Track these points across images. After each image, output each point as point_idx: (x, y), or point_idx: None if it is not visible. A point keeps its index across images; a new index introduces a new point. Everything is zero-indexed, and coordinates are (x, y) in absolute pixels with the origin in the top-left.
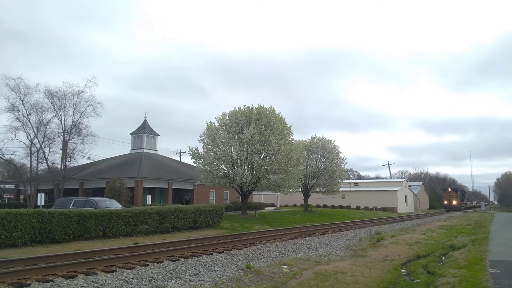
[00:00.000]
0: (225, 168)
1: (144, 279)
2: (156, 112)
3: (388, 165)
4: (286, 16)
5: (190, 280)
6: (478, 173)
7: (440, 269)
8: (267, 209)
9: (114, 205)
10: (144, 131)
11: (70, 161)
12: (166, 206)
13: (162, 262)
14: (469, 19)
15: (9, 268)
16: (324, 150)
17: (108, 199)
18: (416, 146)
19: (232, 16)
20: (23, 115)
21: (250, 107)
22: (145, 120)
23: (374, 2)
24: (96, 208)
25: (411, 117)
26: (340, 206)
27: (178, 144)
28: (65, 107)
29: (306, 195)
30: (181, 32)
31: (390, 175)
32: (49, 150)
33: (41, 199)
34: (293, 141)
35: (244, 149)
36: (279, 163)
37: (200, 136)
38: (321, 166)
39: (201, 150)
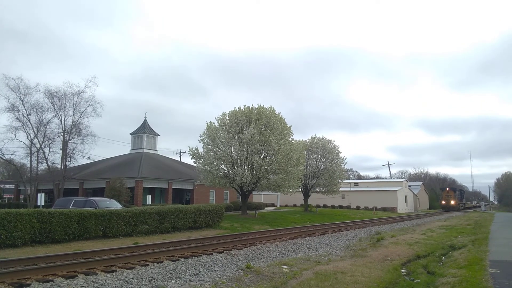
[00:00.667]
0: (225, 168)
1: (144, 279)
2: (156, 112)
3: (388, 165)
4: (286, 15)
5: (190, 280)
6: (478, 173)
7: (440, 269)
8: (267, 209)
9: (114, 205)
10: (144, 131)
11: (70, 161)
12: (166, 206)
13: (162, 262)
14: (470, 19)
15: (9, 268)
16: (324, 150)
17: (108, 199)
18: (416, 146)
19: (232, 15)
20: (23, 115)
21: (250, 107)
22: (145, 120)
23: (374, 2)
24: (96, 208)
25: (411, 117)
26: (340, 206)
27: (178, 144)
28: (65, 107)
29: (306, 195)
30: (181, 32)
31: (390, 175)
32: (49, 150)
33: (41, 199)
34: (293, 141)
35: (244, 149)
36: (279, 163)
37: (200, 136)
38: (321, 166)
39: (201, 150)
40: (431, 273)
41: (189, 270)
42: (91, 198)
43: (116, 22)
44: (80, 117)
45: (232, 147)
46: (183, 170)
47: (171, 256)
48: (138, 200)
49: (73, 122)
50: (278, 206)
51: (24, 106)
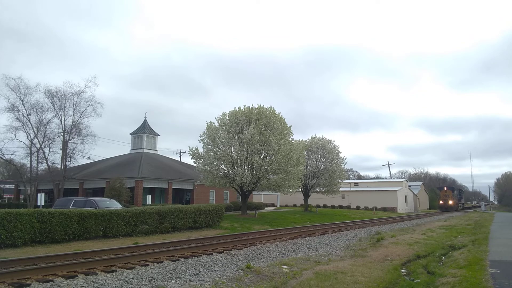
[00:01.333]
0: (225, 168)
1: (144, 279)
2: (156, 111)
3: (388, 165)
4: (286, 15)
5: (190, 280)
6: (479, 173)
7: (440, 269)
8: (267, 209)
9: (114, 205)
10: (144, 131)
11: (70, 161)
12: (166, 206)
13: (162, 262)
14: (472, 18)
15: (9, 268)
16: (324, 150)
17: (108, 199)
18: (417, 146)
19: (232, 14)
20: (23, 115)
21: (250, 107)
22: (145, 120)
23: (374, 2)
24: (96, 208)
25: (412, 117)
26: (340, 206)
27: (178, 144)
28: (65, 107)
29: (306, 195)
30: (182, 31)
31: (390, 175)
32: (49, 150)
33: (41, 199)
34: (293, 141)
35: (244, 149)
36: (279, 163)
37: (200, 136)
38: (321, 166)
39: (201, 150)
40: (431, 273)
41: (189, 270)
42: (91, 198)
43: (116, 22)
44: (80, 117)
45: (232, 147)
46: (183, 170)
47: (171, 256)
48: (138, 200)
49: (73, 122)
50: (278, 206)
51: (24, 106)
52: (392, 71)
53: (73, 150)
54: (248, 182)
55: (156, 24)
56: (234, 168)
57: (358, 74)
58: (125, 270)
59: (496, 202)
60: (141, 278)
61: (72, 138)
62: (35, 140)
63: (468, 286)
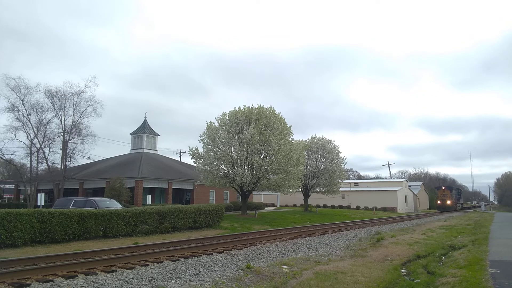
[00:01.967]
0: (225, 168)
1: (144, 279)
2: (156, 111)
3: (388, 165)
4: (287, 14)
5: (190, 280)
6: (479, 173)
7: (440, 269)
8: (267, 209)
9: (114, 205)
10: (144, 131)
11: (70, 161)
12: (166, 206)
13: (162, 262)
14: (472, 18)
15: (9, 268)
16: (324, 150)
17: (108, 199)
18: (417, 146)
19: (233, 14)
20: (23, 115)
21: (250, 107)
22: (145, 120)
23: (375, 1)
24: (96, 208)
25: (412, 117)
26: (340, 206)
27: (178, 144)
28: (65, 107)
29: (306, 195)
30: (182, 31)
31: (390, 175)
32: (49, 150)
33: (41, 199)
34: (293, 141)
35: (244, 149)
36: (279, 163)
37: (200, 136)
38: (321, 166)
39: (201, 150)
40: (431, 273)
41: (189, 270)
42: (91, 198)
43: (116, 21)
44: (80, 117)
45: (232, 147)
46: (183, 170)
47: (171, 256)
48: (138, 200)
49: (73, 122)
50: (278, 206)
51: (24, 106)
52: (392, 71)
53: (73, 150)
54: (248, 182)
55: (156, 24)
56: (234, 168)
57: (358, 74)
58: (125, 270)
59: (496, 202)
60: (141, 278)
61: (72, 138)
62: (35, 140)
63: (468, 286)
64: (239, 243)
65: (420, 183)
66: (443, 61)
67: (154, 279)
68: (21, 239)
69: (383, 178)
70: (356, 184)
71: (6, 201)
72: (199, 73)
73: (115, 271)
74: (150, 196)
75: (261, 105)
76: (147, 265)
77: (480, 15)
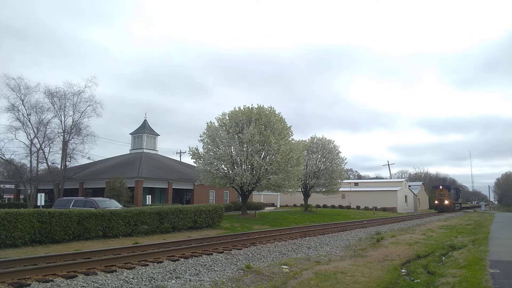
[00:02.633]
0: (225, 168)
1: (144, 279)
2: (156, 111)
3: (388, 165)
4: (288, 13)
5: (190, 280)
6: (479, 173)
7: (440, 269)
8: (267, 209)
9: (114, 205)
10: (144, 131)
11: (70, 161)
12: (166, 206)
13: (162, 262)
14: (475, 17)
15: (9, 268)
16: (324, 150)
17: (108, 199)
18: (418, 146)
19: (233, 13)
20: (23, 115)
21: (250, 107)
22: (145, 120)
23: (375, 1)
24: (96, 208)
25: (413, 116)
26: (340, 206)
27: (178, 144)
28: (65, 107)
29: (306, 195)
30: (182, 30)
31: (390, 175)
32: (49, 150)
33: (41, 199)
34: (293, 141)
35: (244, 149)
36: (279, 163)
37: (200, 136)
38: (321, 166)
39: (201, 150)
40: (431, 273)
41: (189, 270)
42: (91, 198)
43: (115, 20)
44: (80, 117)
45: (232, 147)
46: (183, 170)
47: (171, 256)
48: (138, 200)
49: (73, 122)
50: (278, 206)
51: (24, 106)
52: (393, 70)
53: (73, 150)
54: (248, 182)
55: (156, 23)
56: (234, 168)
57: (359, 73)
58: (125, 270)
59: (496, 202)
60: (141, 278)
61: (72, 138)
62: (35, 140)
63: (468, 286)
64: (239, 243)
65: (420, 183)
66: (445, 60)
67: (154, 279)
68: (21, 239)
69: (383, 178)
70: (356, 184)
71: (6, 201)
72: (200, 73)
73: (115, 271)
74: (150, 196)
75: (261, 105)
76: (147, 265)
77: (482, 14)
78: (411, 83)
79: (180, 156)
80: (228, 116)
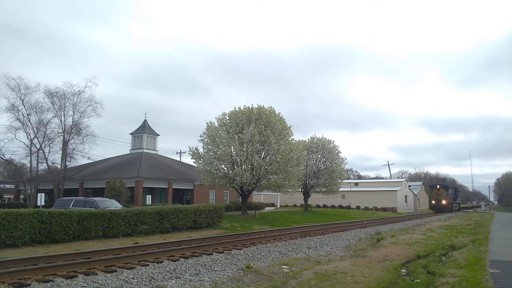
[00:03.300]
0: (225, 168)
1: (144, 279)
2: (156, 110)
3: (388, 165)
4: (288, 13)
5: (190, 280)
6: (480, 173)
7: (440, 269)
8: (267, 209)
9: (114, 205)
10: (144, 131)
11: (70, 161)
12: (166, 206)
13: (162, 262)
14: (476, 16)
15: (9, 268)
16: (324, 150)
17: (108, 199)
18: (418, 146)
19: (233, 13)
20: (23, 115)
21: (250, 107)
22: (145, 120)
23: (376, 1)
24: (96, 208)
25: (414, 116)
26: (340, 206)
27: (178, 144)
28: (65, 107)
29: (306, 195)
30: (182, 29)
31: (390, 175)
32: (49, 150)
33: (41, 199)
34: (293, 141)
35: (244, 149)
36: (279, 163)
37: (200, 136)
38: (321, 166)
39: (201, 150)
40: (431, 273)
41: (189, 270)
42: (91, 198)
43: (115, 19)
44: (80, 117)
45: (232, 147)
46: (183, 170)
47: (171, 256)
48: (138, 200)
49: (73, 122)
50: (278, 206)
51: (24, 106)
52: (394, 70)
53: (73, 150)
54: (248, 182)
55: (156, 22)
56: (234, 168)
57: (360, 73)
58: (125, 270)
59: (496, 202)
60: (141, 278)
61: (72, 138)
62: (35, 140)
63: (468, 286)
64: (239, 243)
65: (420, 183)
66: (445, 60)
67: (154, 279)
68: (21, 239)
69: (383, 178)
70: (356, 184)
71: (6, 201)
72: (200, 72)
73: (115, 271)
74: (150, 196)
75: (261, 105)
76: (147, 265)
77: (483, 14)
78: (412, 83)
79: (180, 156)
80: (228, 116)
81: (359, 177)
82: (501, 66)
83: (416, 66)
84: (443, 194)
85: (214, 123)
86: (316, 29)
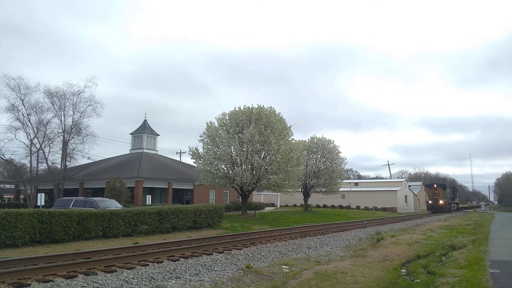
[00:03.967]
0: (225, 168)
1: (144, 279)
2: (156, 110)
3: (388, 165)
4: (289, 12)
5: (190, 280)
6: (480, 173)
7: (440, 269)
8: (267, 209)
9: (114, 205)
10: (144, 131)
11: (70, 161)
12: (166, 206)
13: (162, 262)
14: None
15: (9, 268)
16: (324, 150)
17: (108, 199)
18: (419, 146)
19: (234, 12)
20: (23, 115)
21: (250, 107)
22: (145, 120)
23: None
24: (96, 208)
25: (414, 116)
26: (340, 206)
27: (178, 144)
28: (65, 107)
29: (306, 195)
30: (182, 28)
31: (390, 175)
32: (49, 150)
33: (41, 199)
34: (293, 141)
35: (244, 149)
36: (279, 163)
37: (200, 136)
38: (321, 166)
39: (201, 150)
40: (431, 273)
41: (189, 270)
42: (91, 198)
43: (115, 18)
44: (80, 117)
45: (232, 147)
46: (183, 170)
47: (171, 256)
48: (138, 200)
49: (73, 122)
50: (278, 206)
51: (24, 106)
52: (395, 69)
53: (73, 150)
54: (248, 182)
55: (156, 22)
56: (234, 168)
57: (360, 72)
58: (125, 270)
59: (496, 202)
60: (141, 278)
61: (72, 138)
62: (35, 140)
63: (468, 286)
64: (239, 243)
65: (420, 183)
66: (447, 60)
67: (154, 279)
68: (21, 239)
69: (383, 178)
70: (356, 184)
71: (6, 201)
72: (200, 72)
73: (115, 271)
74: (150, 196)
75: (261, 105)
76: (147, 265)
77: (485, 13)
78: (413, 83)
79: (180, 156)
80: (228, 116)
81: (359, 177)
82: (503, 66)
83: (417, 65)
84: (440, 193)
85: (214, 123)
86: (317, 28)
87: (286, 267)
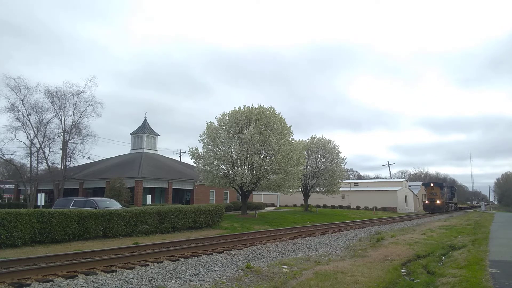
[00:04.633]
0: (225, 168)
1: (144, 279)
2: (156, 110)
3: (388, 165)
4: (289, 12)
5: (190, 280)
6: (481, 173)
7: (440, 269)
8: (267, 209)
9: (114, 205)
10: (144, 131)
11: (70, 161)
12: (166, 206)
13: (162, 262)
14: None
15: (9, 268)
16: (324, 150)
17: (108, 199)
18: (419, 145)
19: (234, 11)
20: (23, 115)
21: (250, 107)
22: (145, 120)
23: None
24: (96, 208)
25: (415, 116)
26: (340, 206)
27: (178, 144)
28: (65, 107)
29: (306, 195)
30: (182, 28)
31: (390, 175)
32: (49, 150)
33: (41, 199)
34: (293, 141)
35: (244, 149)
36: (279, 163)
37: (200, 136)
38: (321, 166)
39: (201, 150)
40: (431, 273)
41: (189, 270)
42: (91, 198)
43: (115, 17)
44: (80, 117)
45: (232, 147)
46: (183, 170)
47: (171, 256)
48: (138, 200)
49: (73, 122)
50: (278, 206)
51: (24, 106)
52: (395, 69)
53: (73, 150)
54: (248, 182)
55: (156, 21)
56: (234, 168)
57: (361, 72)
58: (125, 270)
59: (496, 202)
60: (141, 278)
61: (72, 138)
62: (35, 140)
63: (468, 286)
64: (239, 243)
65: (420, 183)
66: (448, 59)
67: (154, 279)
68: (21, 239)
69: (383, 178)
70: (356, 184)
71: (6, 201)
72: (200, 71)
73: (115, 271)
74: (150, 196)
75: (261, 105)
76: (147, 265)
77: (486, 13)
78: (413, 82)
79: (180, 156)
80: (228, 116)
81: (359, 177)
82: (504, 66)
83: (417, 65)
84: (437, 193)
85: (214, 123)
86: (317, 28)
87: (286, 267)
